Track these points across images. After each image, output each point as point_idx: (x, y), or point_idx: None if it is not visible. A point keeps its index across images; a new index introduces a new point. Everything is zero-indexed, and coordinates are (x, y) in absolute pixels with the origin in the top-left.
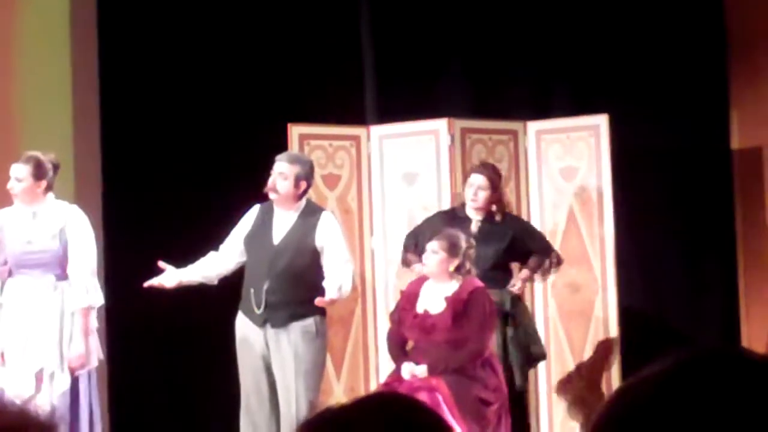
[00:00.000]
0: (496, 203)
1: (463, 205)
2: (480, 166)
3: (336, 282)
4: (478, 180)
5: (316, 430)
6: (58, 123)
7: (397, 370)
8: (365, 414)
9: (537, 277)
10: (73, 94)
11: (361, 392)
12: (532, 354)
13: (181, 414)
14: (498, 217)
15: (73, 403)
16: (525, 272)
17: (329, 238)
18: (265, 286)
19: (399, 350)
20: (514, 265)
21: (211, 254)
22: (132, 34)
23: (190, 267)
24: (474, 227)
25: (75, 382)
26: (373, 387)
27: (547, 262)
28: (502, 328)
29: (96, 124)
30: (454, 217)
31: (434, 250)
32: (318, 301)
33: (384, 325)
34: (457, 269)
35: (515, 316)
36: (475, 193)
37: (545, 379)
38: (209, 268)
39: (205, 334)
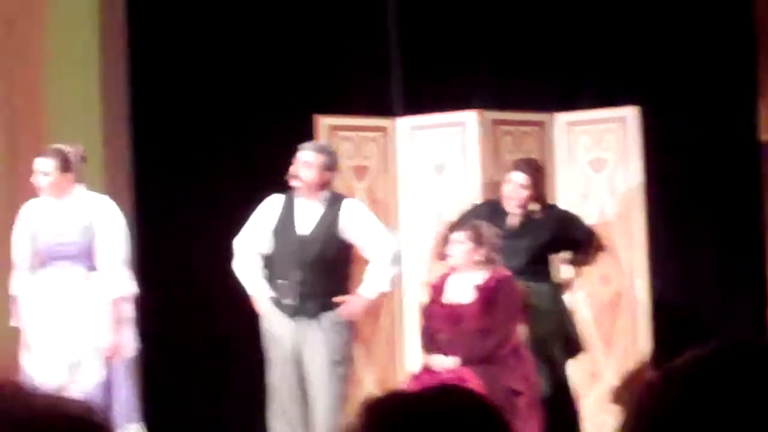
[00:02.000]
0: (536, 200)
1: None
2: (522, 162)
3: (374, 282)
4: (518, 178)
5: (384, 411)
6: (87, 113)
7: (428, 362)
8: (433, 403)
9: (585, 266)
10: (102, 84)
11: (390, 383)
12: (572, 345)
13: (215, 403)
14: (537, 215)
15: (108, 393)
16: (571, 273)
17: (355, 226)
18: (297, 277)
19: (431, 343)
20: (560, 257)
21: (252, 259)
22: (161, 24)
23: (258, 284)
24: (513, 221)
25: (110, 372)
26: (402, 378)
27: (591, 250)
28: (541, 321)
29: (125, 114)
30: (496, 210)
31: (460, 240)
32: (345, 315)
33: (412, 316)
34: (484, 258)
35: (555, 308)
36: (515, 190)
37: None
38: (262, 270)
39: (239, 323)
